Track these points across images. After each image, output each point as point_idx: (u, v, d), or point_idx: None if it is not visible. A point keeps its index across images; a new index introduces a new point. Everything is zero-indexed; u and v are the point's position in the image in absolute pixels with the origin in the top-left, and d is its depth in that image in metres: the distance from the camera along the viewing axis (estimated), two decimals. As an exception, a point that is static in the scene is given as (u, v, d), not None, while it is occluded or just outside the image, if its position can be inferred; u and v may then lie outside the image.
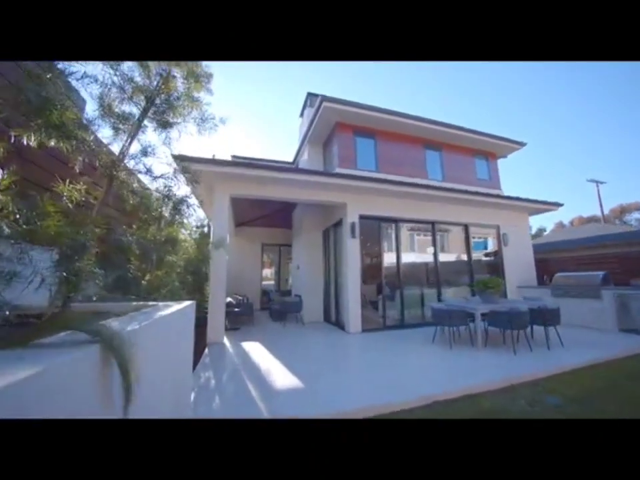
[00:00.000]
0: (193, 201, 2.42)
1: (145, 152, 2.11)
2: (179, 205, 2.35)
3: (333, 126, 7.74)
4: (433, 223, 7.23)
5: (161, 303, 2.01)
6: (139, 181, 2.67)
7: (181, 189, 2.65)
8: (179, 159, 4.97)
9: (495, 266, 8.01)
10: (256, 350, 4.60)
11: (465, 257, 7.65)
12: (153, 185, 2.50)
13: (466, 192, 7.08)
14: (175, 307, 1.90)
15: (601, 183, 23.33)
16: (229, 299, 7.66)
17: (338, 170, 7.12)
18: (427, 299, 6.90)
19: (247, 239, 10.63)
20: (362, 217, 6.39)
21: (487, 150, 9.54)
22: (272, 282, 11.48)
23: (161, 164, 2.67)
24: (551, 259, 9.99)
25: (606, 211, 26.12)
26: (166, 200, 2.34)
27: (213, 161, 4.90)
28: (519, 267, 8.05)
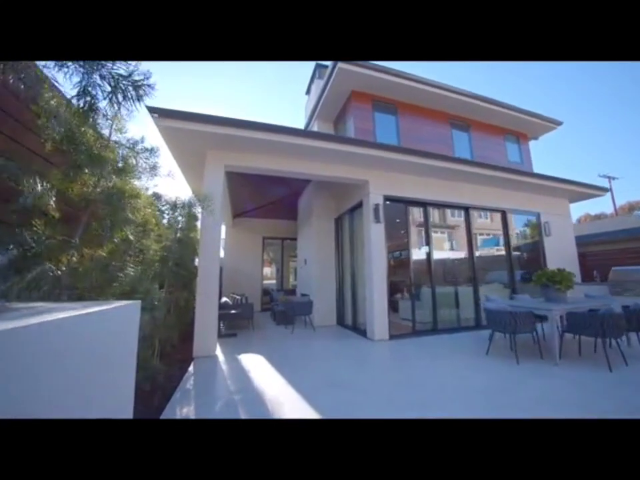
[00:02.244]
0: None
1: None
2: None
3: (348, 96, 6.59)
4: (467, 208, 6.10)
5: (46, 305, 0.86)
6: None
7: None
8: (158, 112, 3.75)
9: (534, 260, 6.89)
10: (259, 367, 3.44)
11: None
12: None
13: (507, 170, 5.96)
14: (75, 311, 0.75)
15: (614, 178, 22.46)
16: (224, 299, 6.49)
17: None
18: (460, 299, 5.77)
19: (246, 232, 9.46)
20: (386, 199, 5.25)
21: (517, 130, 8.43)
22: (273, 281, 10.32)
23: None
24: (588, 253, 8.86)
25: (613, 209, 25.20)
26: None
27: (204, 117, 3.74)
28: (562, 261, 6.90)
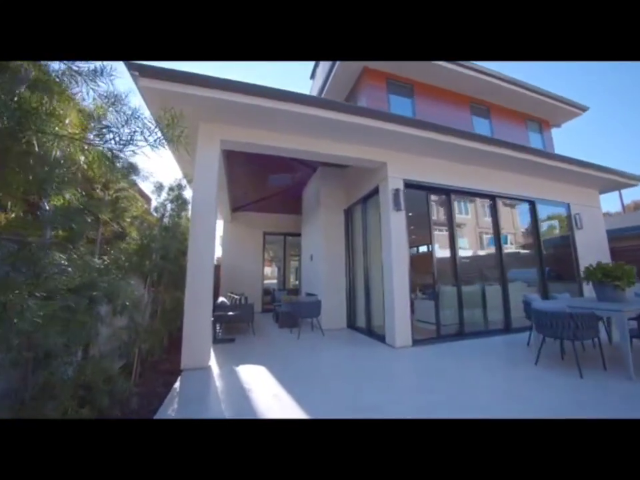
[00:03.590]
0: None
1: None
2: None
3: (359, 73, 5.94)
4: (494, 197, 5.45)
5: None
6: None
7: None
8: (139, 70, 3.14)
9: (561, 256, 6.24)
10: (262, 384, 2.77)
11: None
12: None
13: (541, 153, 5.31)
14: None
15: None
16: (221, 299, 5.82)
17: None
18: (487, 299, 5.12)
19: (246, 227, 8.80)
20: (405, 185, 4.59)
21: (539, 116, 7.79)
22: (273, 281, 9.65)
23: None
24: (617, 248, 8.19)
25: (618, 208, 24.66)
26: None
27: (195, 78, 3.08)
28: (596, 257, 6.24)
